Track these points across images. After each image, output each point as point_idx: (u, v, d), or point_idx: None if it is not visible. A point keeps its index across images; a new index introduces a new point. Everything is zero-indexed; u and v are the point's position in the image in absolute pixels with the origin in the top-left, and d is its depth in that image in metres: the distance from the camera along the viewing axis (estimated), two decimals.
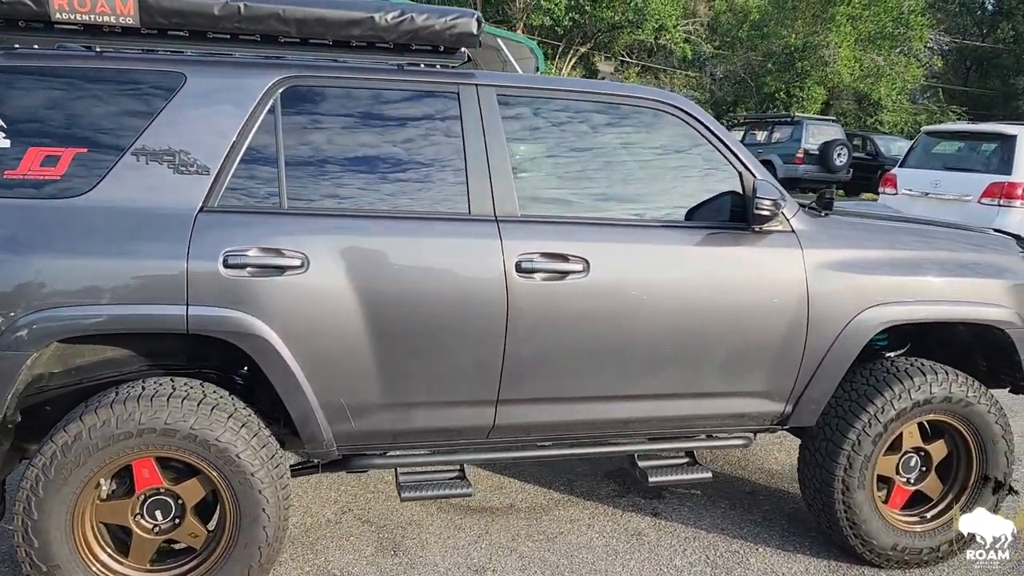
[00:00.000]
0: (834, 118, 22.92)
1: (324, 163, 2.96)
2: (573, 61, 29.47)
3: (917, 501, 3.60)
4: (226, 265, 2.76)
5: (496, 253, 2.98)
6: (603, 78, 31.59)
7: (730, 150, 3.30)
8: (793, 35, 26.55)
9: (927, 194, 10.24)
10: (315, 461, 3.14)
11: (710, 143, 3.30)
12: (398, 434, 3.09)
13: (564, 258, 3.04)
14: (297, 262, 2.81)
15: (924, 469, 3.56)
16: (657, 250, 3.17)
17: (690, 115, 3.29)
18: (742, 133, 22.75)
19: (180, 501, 2.87)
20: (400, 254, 2.93)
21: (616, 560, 3.52)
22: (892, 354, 3.73)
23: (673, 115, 3.29)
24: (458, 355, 3.00)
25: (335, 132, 2.99)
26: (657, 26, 26.73)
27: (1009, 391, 3.79)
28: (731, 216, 3.25)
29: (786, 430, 3.57)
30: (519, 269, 2.99)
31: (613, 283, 3.10)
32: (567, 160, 3.28)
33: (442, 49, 3.10)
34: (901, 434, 3.47)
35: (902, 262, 3.39)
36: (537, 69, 16.12)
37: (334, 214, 2.92)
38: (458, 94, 3.08)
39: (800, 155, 19.85)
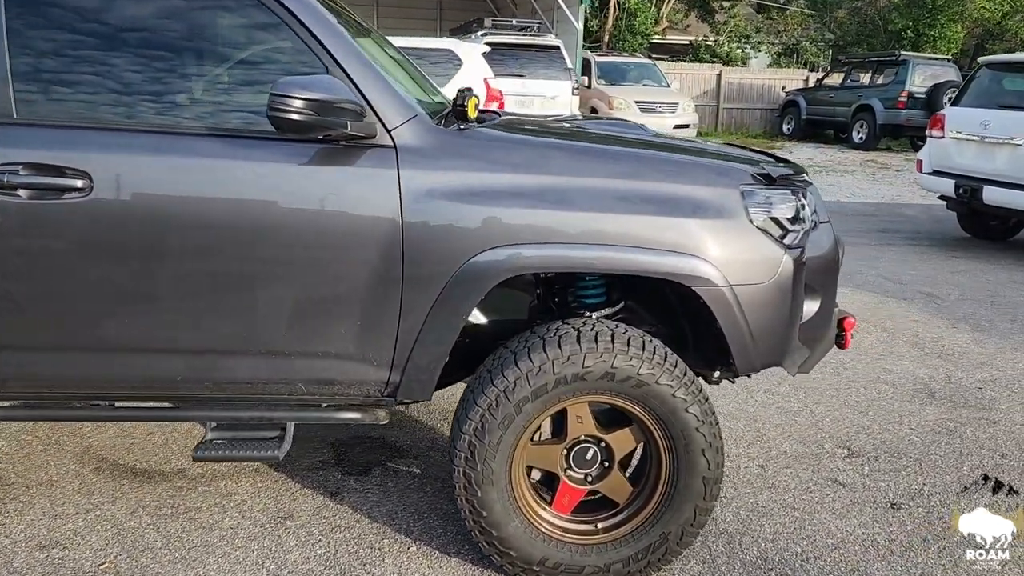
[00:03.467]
0: (949, 58, 20.37)
1: None
2: None
3: (603, 505, 2.79)
4: None
5: None
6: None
7: (317, 40, 2.52)
8: None
9: (983, 138, 8.69)
10: None
11: (293, 31, 2.54)
12: None
13: (59, 171, 2.40)
14: None
15: (607, 465, 2.74)
16: (194, 166, 2.45)
17: None
18: (843, 75, 20.68)
19: None
20: None
21: (221, 546, 2.90)
22: (596, 314, 2.88)
23: None
24: None
25: None
26: None
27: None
28: None
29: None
30: None
31: (126, 206, 2.43)
32: (96, 51, 2.56)
33: None
34: (565, 418, 2.66)
35: (548, 191, 2.52)
36: None
37: None
38: None
39: (903, 99, 17.75)
